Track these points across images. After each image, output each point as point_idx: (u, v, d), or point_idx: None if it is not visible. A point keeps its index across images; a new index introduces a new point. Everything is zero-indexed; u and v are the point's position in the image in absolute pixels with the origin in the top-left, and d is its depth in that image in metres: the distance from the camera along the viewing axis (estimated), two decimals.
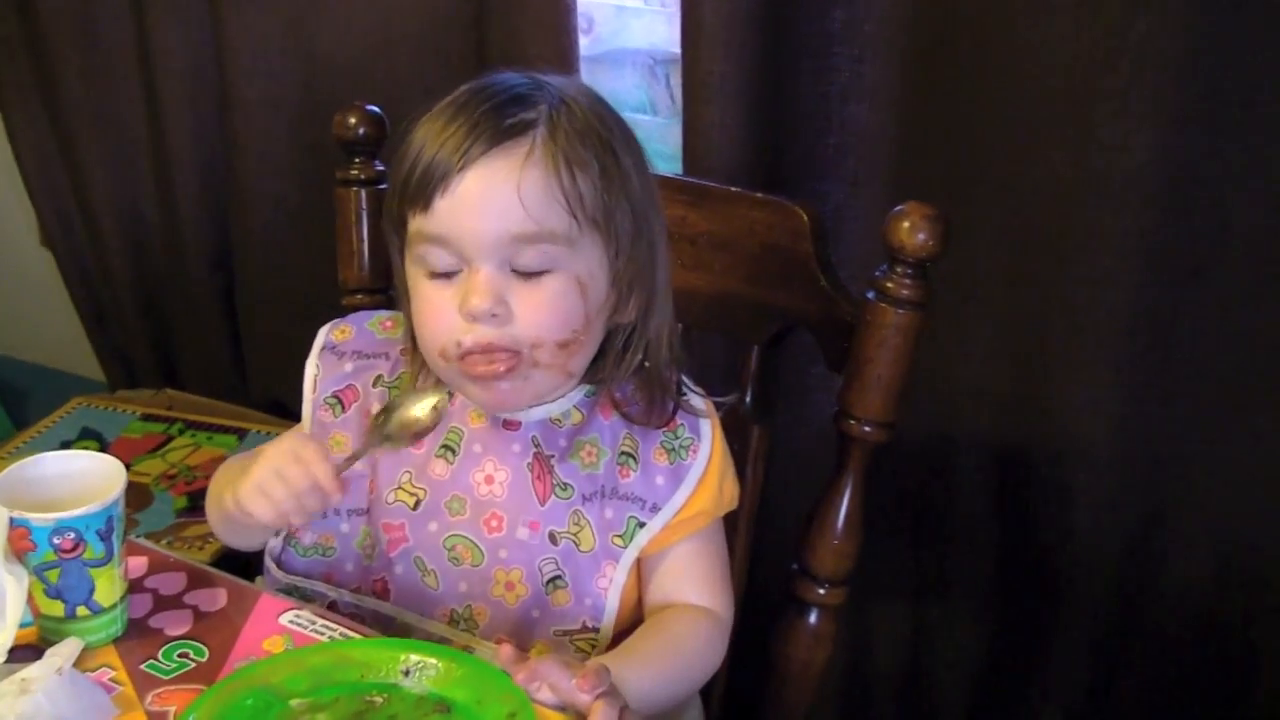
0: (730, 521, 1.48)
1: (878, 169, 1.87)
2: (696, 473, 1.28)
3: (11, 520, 1.11)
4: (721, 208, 1.49)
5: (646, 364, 1.27)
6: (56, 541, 1.12)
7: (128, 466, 1.19)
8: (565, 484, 1.26)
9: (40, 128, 2.77)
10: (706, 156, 1.84)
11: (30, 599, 1.13)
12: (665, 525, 1.27)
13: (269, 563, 1.34)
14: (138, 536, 1.44)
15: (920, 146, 1.82)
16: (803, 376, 1.99)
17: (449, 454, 1.29)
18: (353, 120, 1.58)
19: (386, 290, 1.61)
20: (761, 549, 1.57)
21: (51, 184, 2.82)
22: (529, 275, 1.16)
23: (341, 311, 1.62)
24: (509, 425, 1.28)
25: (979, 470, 1.94)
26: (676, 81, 2.16)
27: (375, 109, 1.58)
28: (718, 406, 1.34)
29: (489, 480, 1.27)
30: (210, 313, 2.70)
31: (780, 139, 1.88)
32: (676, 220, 1.50)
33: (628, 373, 1.27)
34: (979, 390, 1.89)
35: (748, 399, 1.51)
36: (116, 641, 1.17)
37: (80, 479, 1.17)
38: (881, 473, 1.42)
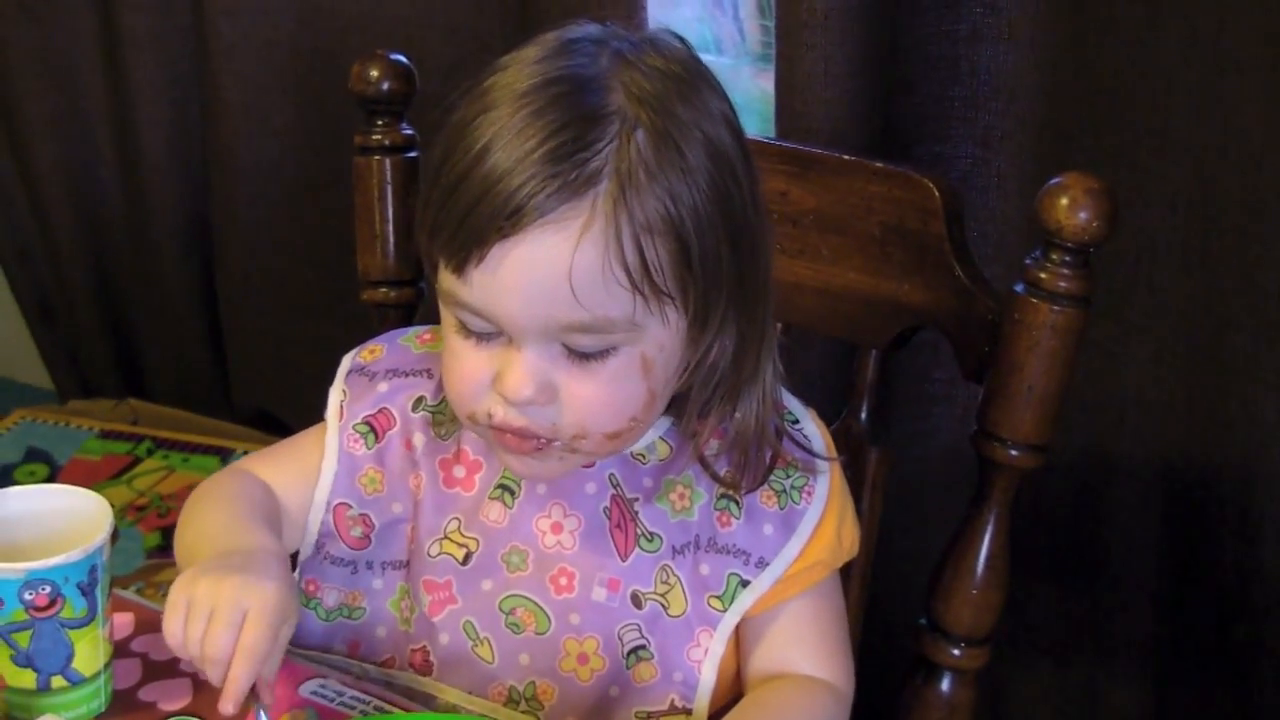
0: (844, 567, 1.50)
1: (1016, 127, 1.88)
2: (813, 519, 1.29)
3: None
4: (831, 180, 1.50)
5: (736, 414, 1.26)
6: (28, 597, 1.13)
7: None
8: (652, 534, 1.27)
9: None
10: (806, 114, 1.85)
11: None
12: (774, 583, 1.28)
13: None
14: None
15: (1071, 98, 1.82)
16: (921, 384, 2.00)
17: (507, 496, 1.29)
18: (375, 73, 1.59)
19: (417, 282, 1.63)
20: (877, 599, 1.58)
21: None
22: (585, 357, 1.16)
23: (356, 307, 1.65)
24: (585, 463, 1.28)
25: (1143, 498, 1.94)
26: (748, 11, 2.17)
27: (402, 58, 1.59)
28: (827, 422, 1.35)
29: (556, 529, 1.27)
30: (183, 305, 2.73)
31: (894, 91, 1.89)
32: (775, 196, 1.51)
33: (712, 430, 1.27)
34: (1145, 400, 1.89)
35: (863, 415, 1.52)
36: (99, 719, 1.19)
37: (54, 520, 1.19)
38: (1021, 501, 1.43)
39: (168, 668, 1.25)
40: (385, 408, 1.33)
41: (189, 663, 1.24)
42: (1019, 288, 1.34)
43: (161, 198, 2.65)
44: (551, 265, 1.10)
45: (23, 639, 1.14)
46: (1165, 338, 1.85)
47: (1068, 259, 1.32)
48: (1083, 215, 1.30)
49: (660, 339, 1.16)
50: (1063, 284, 1.32)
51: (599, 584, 1.26)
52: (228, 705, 1.09)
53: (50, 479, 2.13)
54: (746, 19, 2.29)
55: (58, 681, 1.16)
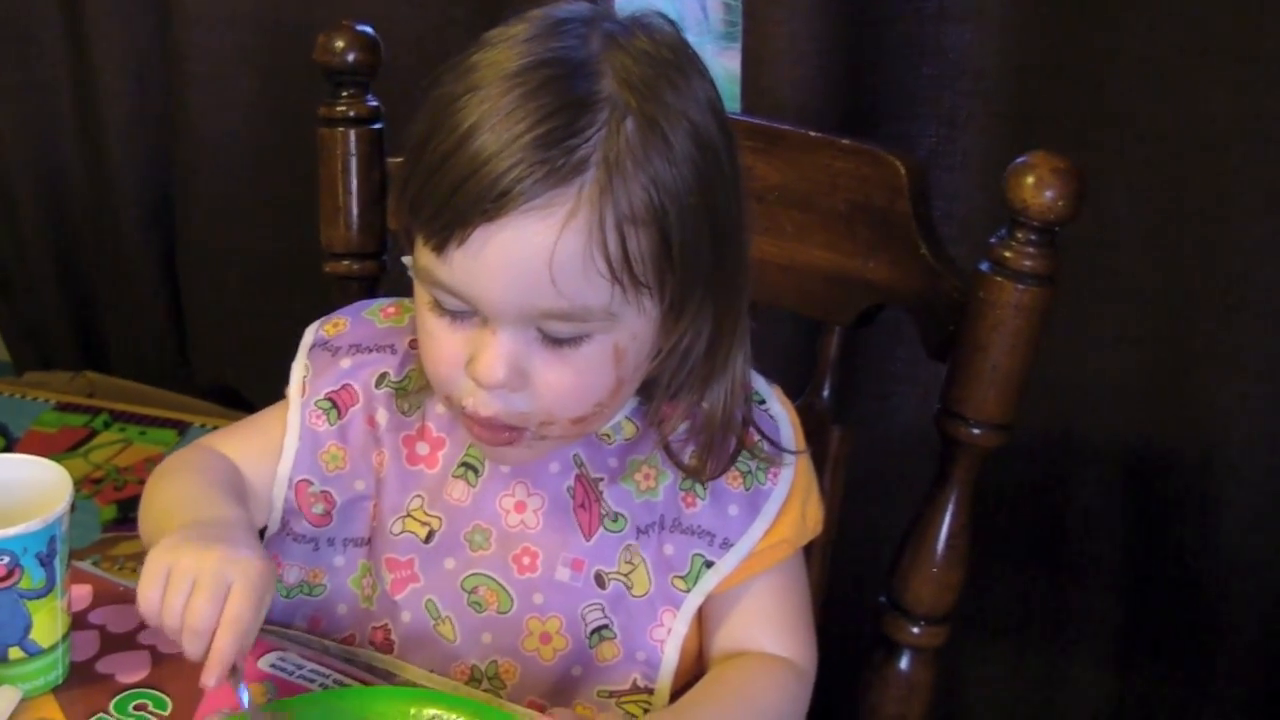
0: (806, 545, 1.50)
1: (983, 106, 1.88)
2: (778, 500, 1.29)
3: None
4: (797, 157, 1.50)
5: (704, 402, 1.26)
6: None
7: None
8: (617, 514, 1.27)
9: None
10: (773, 90, 1.85)
11: None
12: (739, 563, 1.28)
13: None
14: None
15: (1038, 79, 1.83)
16: (883, 363, 2.01)
17: (470, 474, 1.29)
18: (340, 43, 1.58)
19: (380, 255, 1.62)
20: (837, 577, 1.58)
21: None
22: (560, 342, 1.15)
23: (318, 280, 1.64)
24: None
25: (1105, 481, 1.95)
26: None
27: (367, 29, 1.59)
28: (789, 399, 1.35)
29: (519, 508, 1.28)
30: (143, 277, 2.72)
31: (861, 69, 1.89)
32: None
33: (680, 416, 1.27)
34: (1107, 383, 1.90)
35: (825, 393, 1.52)
36: (57, 690, 1.18)
37: (13, 490, 1.18)
38: (982, 483, 1.43)
39: (126, 640, 1.24)
40: (348, 384, 1.33)
41: (148, 635, 1.24)
42: (984, 266, 1.35)
43: (123, 170, 2.64)
44: (533, 252, 1.09)
45: None
46: (1127, 320, 1.86)
47: (1033, 238, 1.33)
48: (1049, 194, 1.30)
49: (634, 328, 1.16)
50: (1028, 263, 1.33)
51: (563, 564, 1.26)
52: (210, 678, 1.07)
53: (6, 451, 2.11)
54: None
55: (15, 653, 1.16)
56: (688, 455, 1.27)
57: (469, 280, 1.12)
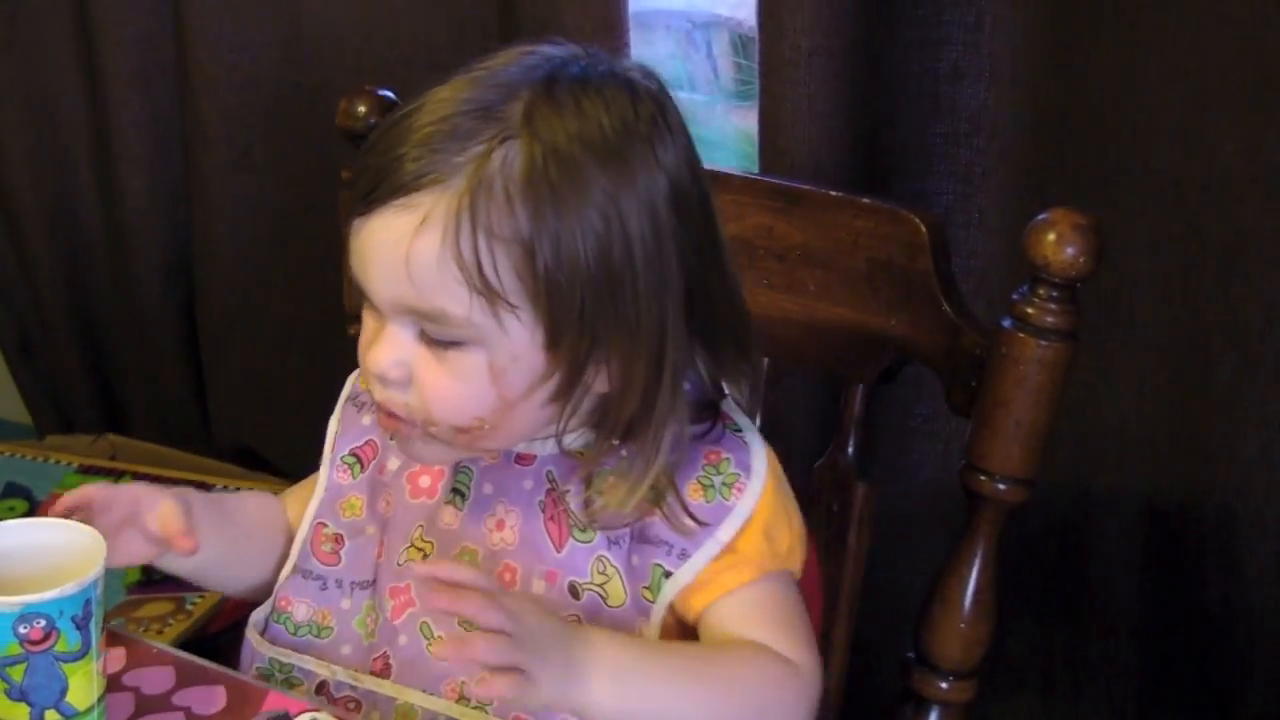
0: (829, 601, 1.50)
1: (997, 163, 1.89)
2: (740, 515, 1.27)
3: None
4: (818, 216, 1.51)
5: (623, 453, 1.26)
6: (23, 631, 1.13)
7: None
8: (586, 525, 1.28)
9: None
10: (789, 150, 1.86)
11: None
12: (698, 577, 1.26)
13: (251, 635, 1.38)
14: None
15: (1052, 135, 1.84)
16: (903, 419, 2.01)
17: (457, 499, 1.32)
18: (361, 108, 1.60)
19: None
20: (860, 632, 1.58)
21: None
22: (437, 344, 1.20)
23: (339, 342, 1.65)
24: (521, 459, 1.30)
25: (1125, 533, 1.95)
26: (721, 50, 2.18)
27: (389, 93, 1.60)
28: (812, 457, 1.35)
29: (500, 526, 1.30)
30: (164, 339, 2.72)
31: (876, 128, 1.90)
32: (762, 230, 1.52)
33: (602, 454, 1.27)
34: (1127, 434, 1.90)
35: (849, 449, 1.53)
36: None
37: (48, 554, 1.19)
38: (1005, 534, 1.43)
39: (161, 701, 1.25)
40: (370, 439, 1.38)
41: (182, 697, 1.25)
42: (1006, 322, 1.35)
43: (142, 232, 2.65)
44: (393, 245, 1.16)
45: (17, 673, 1.14)
46: (1147, 372, 1.86)
47: (1055, 294, 1.33)
48: (1070, 250, 1.31)
49: (512, 349, 1.19)
50: (1050, 319, 1.33)
51: (538, 576, 1.28)
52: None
53: (29, 515, 2.12)
54: (720, 57, 2.30)
55: (51, 716, 1.16)
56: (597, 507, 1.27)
57: (357, 267, 1.20)
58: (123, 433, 2.78)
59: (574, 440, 1.27)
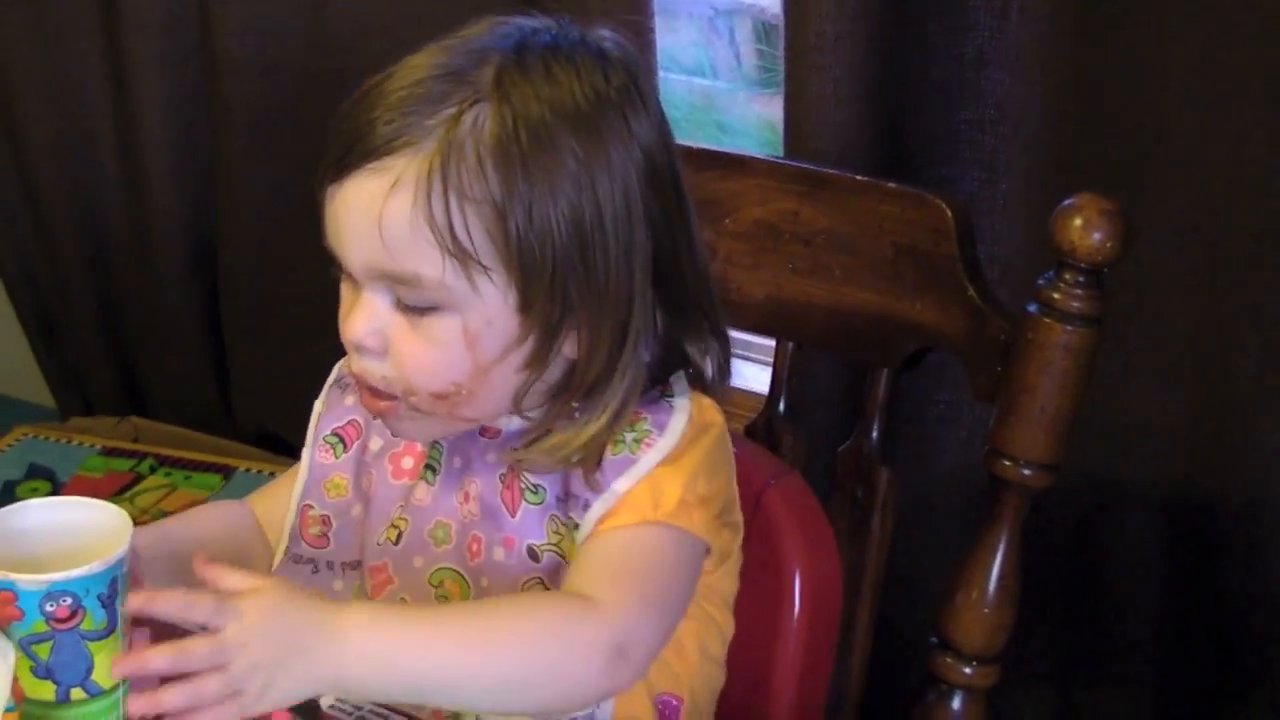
0: (852, 586, 1.50)
1: (1022, 151, 1.89)
2: (642, 468, 1.25)
3: None
4: (844, 200, 1.51)
5: (576, 415, 1.26)
6: (49, 609, 1.13)
7: None
8: (536, 486, 1.28)
9: None
10: (815, 135, 1.86)
11: (14, 681, 1.14)
12: (595, 527, 1.24)
13: None
14: None
15: (1078, 122, 1.83)
16: (925, 406, 2.01)
17: (429, 474, 1.32)
18: None
19: None
20: (880, 617, 1.58)
21: None
22: (412, 311, 1.20)
23: None
24: (486, 432, 1.31)
25: (1147, 524, 1.95)
26: (743, 36, 2.18)
27: None
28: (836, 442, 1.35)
29: (466, 498, 1.30)
30: (187, 325, 2.73)
31: (902, 114, 1.90)
32: (787, 215, 1.52)
33: (556, 417, 1.26)
34: (1149, 424, 1.90)
35: (874, 435, 1.53)
36: None
37: (74, 533, 1.19)
38: (1026, 524, 1.43)
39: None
40: (353, 419, 1.38)
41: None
42: (1032, 308, 1.35)
43: (166, 218, 2.66)
44: (365, 207, 1.17)
45: (43, 651, 1.14)
46: (1170, 362, 1.86)
47: (1081, 279, 1.33)
48: (1096, 236, 1.31)
49: (486, 313, 1.20)
50: (1076, 304, 1.33)
51: (498, 544, 1.28)
52: None
53: (53, 496, 2.13)
54: (743, 44, 2.31)
55: (77, 694, 1.16)
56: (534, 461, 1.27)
57: (332, 233, 1.21)
58: (145, 416, 2.79)
59: (532, 407, 1.27)
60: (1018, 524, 1.41)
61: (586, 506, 1.25)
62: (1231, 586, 1.90)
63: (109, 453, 2.62)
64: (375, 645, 1.11)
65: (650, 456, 1.25)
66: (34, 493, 2.49)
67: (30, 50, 2.68)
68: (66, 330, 2.92)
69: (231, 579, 1.11)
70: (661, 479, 1.25)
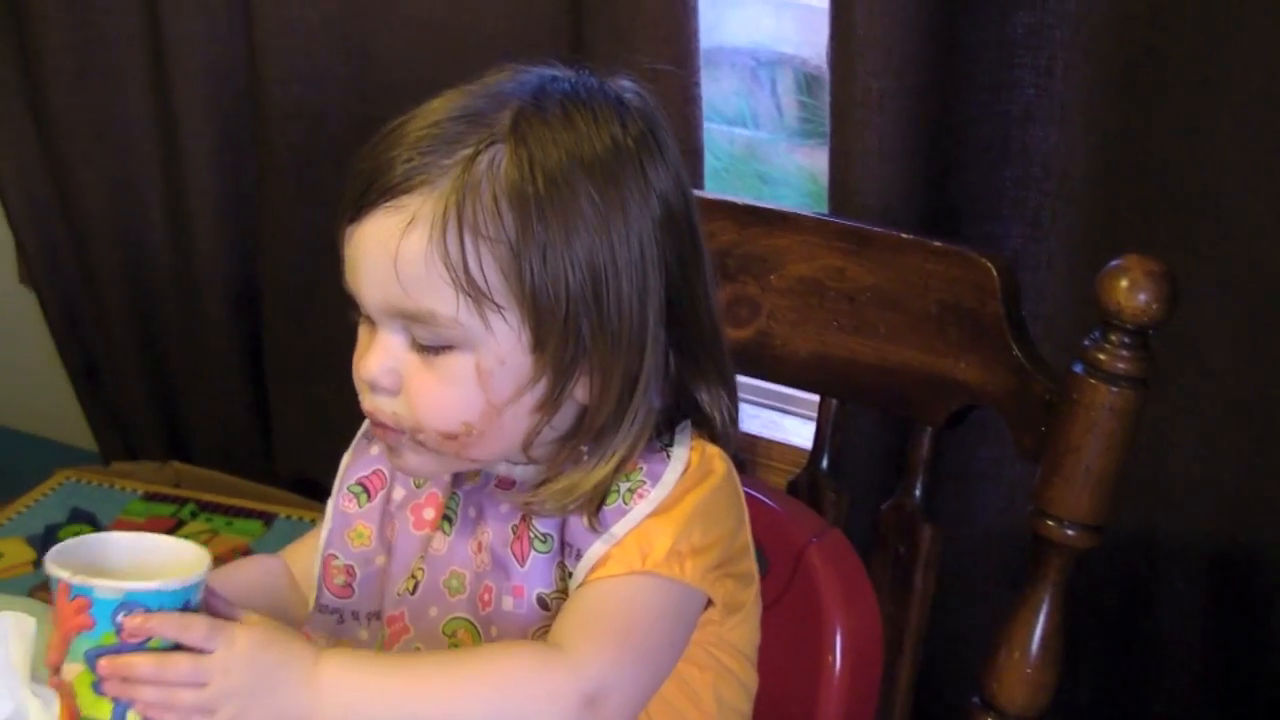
0: (894, 643, 1.50)
1: (1068, 206, 1.89)
2: (634, 518, 1.25)
3: (71, 588, 1.12)
4: (889, 258, 1.51)
5: (584, 459, 1.27)
6: (120, 620, 1.13)
7: None
8: (544, 535, 1.28)
9: (24, 138, 2.83)
10: (860, 191, 1.87)
11: (71, 697, 1.14)
12: (586, 576, 1.24)
13: None
14: None
15: (1123, 179, 1.83)
16: (967, 462, 2.00)
17: (446, 524, 1.33)
18: None
19: None
20: (922, 674, 1.58)
21: (36, 207, 2.88)
22: (427, 350, 1.21)
23: None
24: (502, 483, 1.31)
25: (1194, 584, 1.94)
26: (785, 87, 2.19)
27: None
28: (879, 498, 1.35)
29: (479, 548, 1.30)
30: (229, 369, 2.74)
31: (946, 170, 1.91)
32: (833, 271, 1.52)
33: (562, 461, 1.27)
34: (1193, 482, 1.89)
35: (917, 492, 1.53)
36: None
37: (150, 568, 1.18)
38: (1070, 580, 1.43)
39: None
40: (378, 469, 1.38)
41: None
42: (1077, 368, 1.35)
43: (210, 263, 2.67)
44: (383, 246, 1.18)
45: None
46: (1215, 419, 1.85)
47: (1126, 340, 1.33)
48: (1142, 297, 1.31)
49: (499, 352, 1.21)
50: (1121, 365, 1.33)
51: (507, 593, 1.28)
52: None
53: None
54: (784, 94, 2.32)
55: (133, 717, 1.16)
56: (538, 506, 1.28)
57: (350, 272, 1.23)
58: (186, 461, 2.80)
59: (540, 453, 1.28)
60: (1061, 584, 1.41)
61: (579, 556, 1.25)
62: (1276, 645, 1.89)
63: (151, 498, 2.63)
64: (346, 692, 1.14)
65: (641, 508, 1.25)
66: (76, 536, 2.51)
67: (79, 95, 2.69)
68: (109, 373, 2.93)
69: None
70: (651, 530, 1.25)
